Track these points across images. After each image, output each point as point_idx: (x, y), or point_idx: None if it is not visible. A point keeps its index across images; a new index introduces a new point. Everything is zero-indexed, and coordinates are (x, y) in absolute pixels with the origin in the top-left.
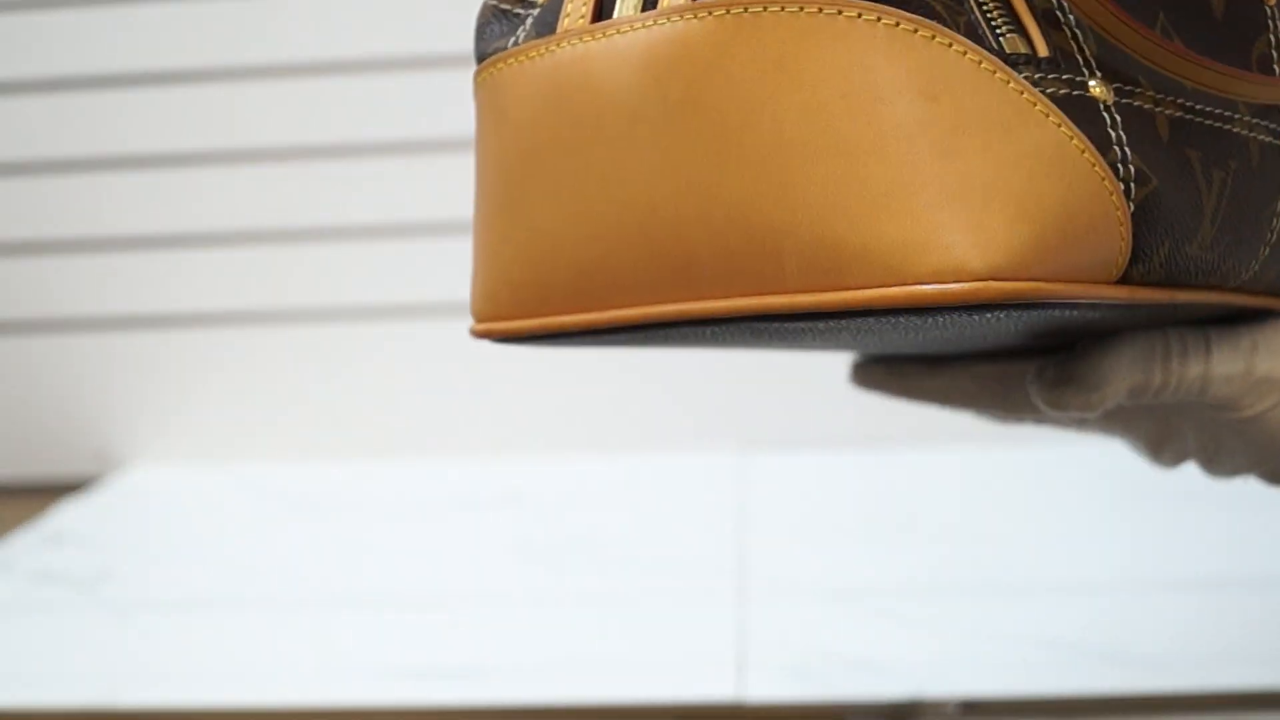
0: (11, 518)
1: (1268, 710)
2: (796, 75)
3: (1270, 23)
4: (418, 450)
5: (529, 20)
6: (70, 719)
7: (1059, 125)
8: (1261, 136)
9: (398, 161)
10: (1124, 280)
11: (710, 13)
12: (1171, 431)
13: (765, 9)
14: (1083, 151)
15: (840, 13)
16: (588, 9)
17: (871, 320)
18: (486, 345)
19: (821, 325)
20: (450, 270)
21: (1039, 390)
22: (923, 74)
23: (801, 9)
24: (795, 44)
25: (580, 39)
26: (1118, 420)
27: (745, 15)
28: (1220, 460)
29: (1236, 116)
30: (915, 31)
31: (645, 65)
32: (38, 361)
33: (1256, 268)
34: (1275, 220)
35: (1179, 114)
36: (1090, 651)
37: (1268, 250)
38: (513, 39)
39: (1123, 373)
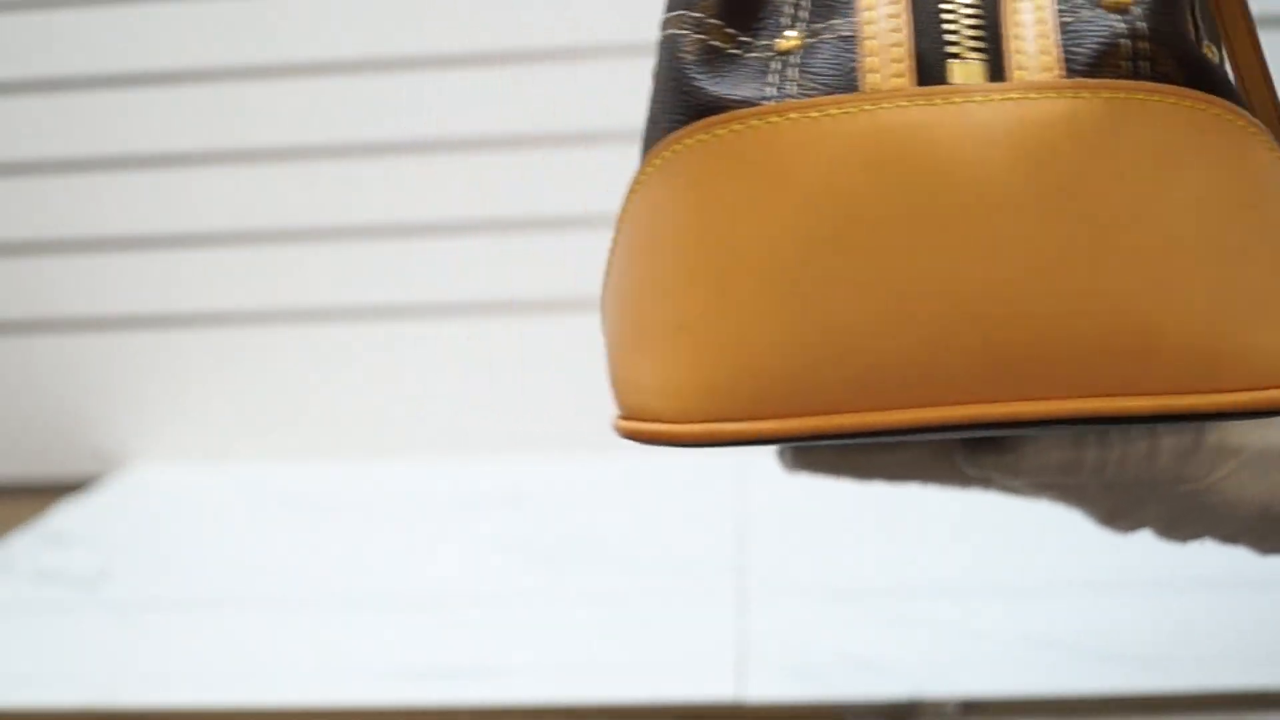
0: (11, 518)
1: (1268, 710)
2: (1187, 170)
3: None
4: (418, 450)
5: (782, 67)
6: (70, 719)
7: None
8: None
9: (398, 161)
10: None
11: (1095, 94)
12: (1128, 505)
13: (1160, 97)
14: None
15: (1238, 116)
16: (904, 68)
17: (1187, 421)
18: (486, 345)
19: (1134, 428)
20: (450, 270)
21: (962, 452)
22: None
23: (1194, 104)
24: (1188, 137)
25: (913, 102)
26: (1071, 493)
27: (1133, 100)
28: (1178, 528)
29: None
30: None
31: (1017, 143)
32: (38, 361)
33: None
34: None
35: None
36: (1090, 651)
37: None
38: (769, 88)
39: (1043, 442)
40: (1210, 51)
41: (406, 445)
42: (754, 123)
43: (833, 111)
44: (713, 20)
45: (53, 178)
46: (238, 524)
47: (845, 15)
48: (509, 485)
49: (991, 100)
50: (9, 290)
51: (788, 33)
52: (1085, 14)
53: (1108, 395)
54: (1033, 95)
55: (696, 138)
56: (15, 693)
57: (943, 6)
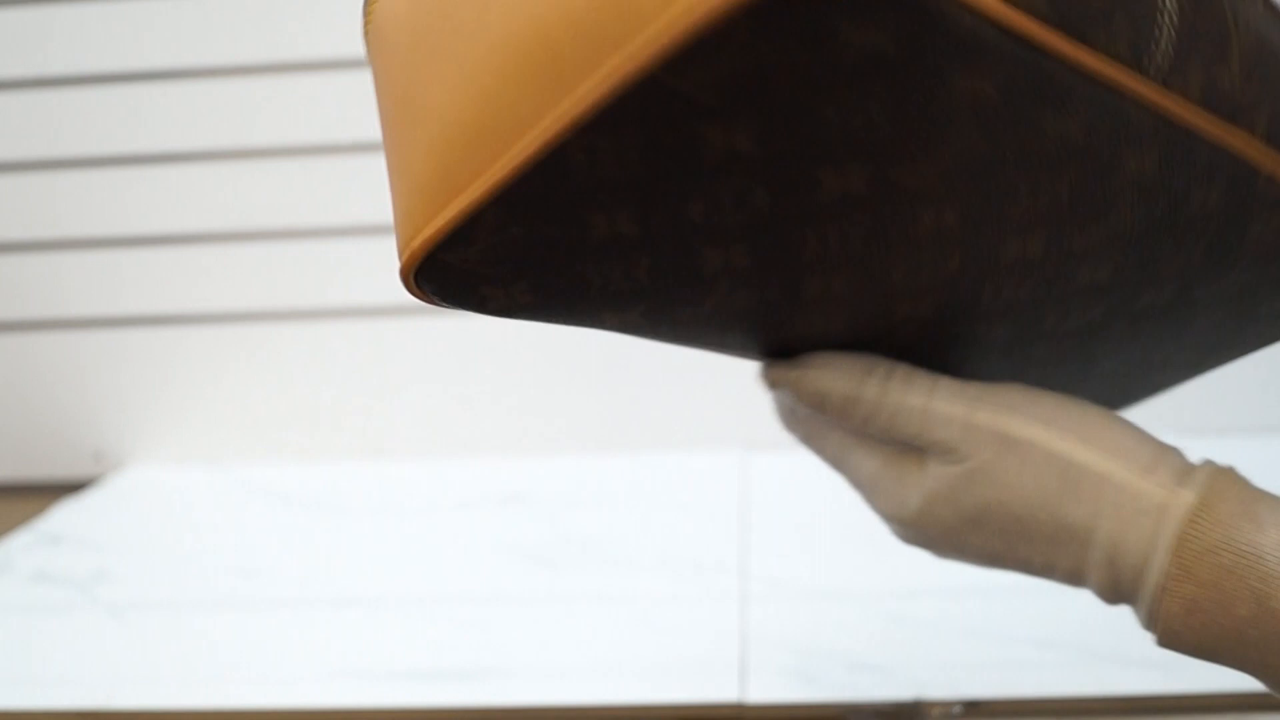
0: (10, 518)
1: (1268, 710)
2: None
3: None
4: (418, 450)
5: None
6: None
7: None
8: None
9: None
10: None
11: None
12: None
13: None
14: None
15: None
16: None
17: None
18: (487, 345)
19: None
20: None
21: (761, 357)
22: None
23: None
24: None
25: None
26: (849, 476)
27: None
28: (944, 550)
29: None
30: None
31: None
32: (37, 361)
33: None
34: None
35: None
36: (1090, 651)
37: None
38: None
39: (835, 366)
40: None
41: (406, 445)
42: (370, 8)
43: None
44: None
45: (53, 176)
46: (237, 524)
47: None
48: (509, 485)
49: None
50: (9, 289)
51: None
52: None
53: (615, 53)
54: None
55: (365, 32)
56: (13, 693)
57: None
